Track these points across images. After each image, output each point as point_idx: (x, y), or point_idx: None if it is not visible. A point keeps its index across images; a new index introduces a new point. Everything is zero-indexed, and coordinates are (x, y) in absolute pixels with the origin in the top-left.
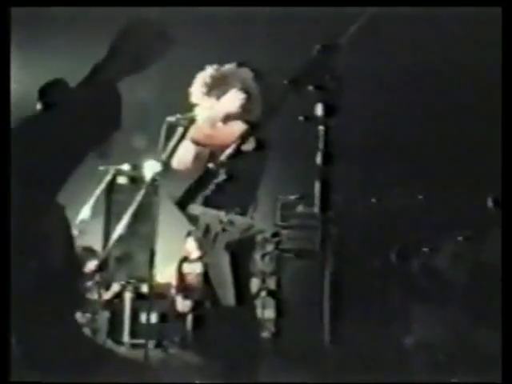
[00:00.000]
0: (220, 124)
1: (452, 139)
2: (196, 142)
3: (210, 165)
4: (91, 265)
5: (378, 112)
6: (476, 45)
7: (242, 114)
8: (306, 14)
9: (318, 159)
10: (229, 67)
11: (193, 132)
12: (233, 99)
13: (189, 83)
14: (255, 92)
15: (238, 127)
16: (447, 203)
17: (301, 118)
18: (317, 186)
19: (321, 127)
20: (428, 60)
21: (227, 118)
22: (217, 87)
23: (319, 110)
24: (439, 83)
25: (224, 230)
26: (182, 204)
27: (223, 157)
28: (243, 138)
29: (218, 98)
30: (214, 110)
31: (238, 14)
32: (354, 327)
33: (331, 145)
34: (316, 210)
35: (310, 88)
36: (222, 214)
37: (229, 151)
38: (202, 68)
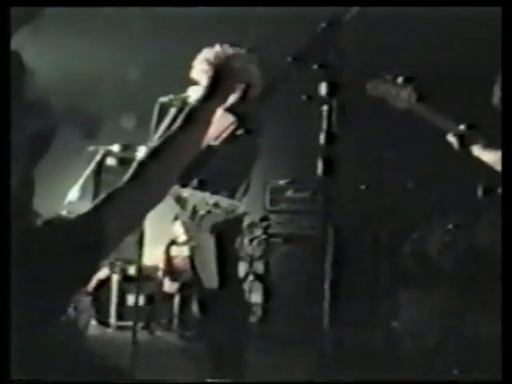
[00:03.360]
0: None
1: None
2: None
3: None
4: None
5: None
6: (476, 45)
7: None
8: None
9: (321, 139)
10: (236, 50)
11: None
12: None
13: (181, 63)
14: (257, 82)
15: (225, 121)
16: (438, 190)
17: (304, 96)
18: (319, 165)
19: (324, 107)
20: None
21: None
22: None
23: (323, 88)
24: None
25: (209, 212)
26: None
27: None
28: (231, 131)
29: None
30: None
31: None
32: (344, 311)
33: (333, 125)
34: (319, 190)
35: (314, 66)
36: (207, 195)
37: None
38: (196, 47)
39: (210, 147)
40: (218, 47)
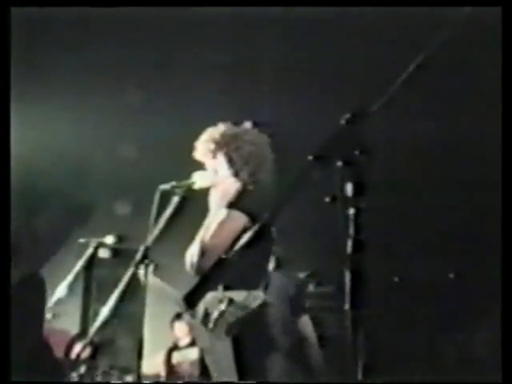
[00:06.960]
0: (220, 221)
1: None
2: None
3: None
4: (77, 348)
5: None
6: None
7: (249, 182)
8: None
9: (349, 248)
10: (244, 127)
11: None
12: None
13: (184, 139)
14: (268, 158)
15: (239, 222)
16: (481, 281)
17: (327, 199)
18: (347, 277)
19: (351, 210)
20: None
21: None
22: (226, 146)
23: (349, 189)
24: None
25: (224, 311)
26: (190, 301)
27: (231, 254)
28: (244, 230)
29: (227, 157)
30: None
31: (257, 69)
32: None
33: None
34: (346, 306)
35: (338, 164)
36: (219, 292)
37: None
38: (206, 124)
39: (229, 256)
40: (221, 125)
